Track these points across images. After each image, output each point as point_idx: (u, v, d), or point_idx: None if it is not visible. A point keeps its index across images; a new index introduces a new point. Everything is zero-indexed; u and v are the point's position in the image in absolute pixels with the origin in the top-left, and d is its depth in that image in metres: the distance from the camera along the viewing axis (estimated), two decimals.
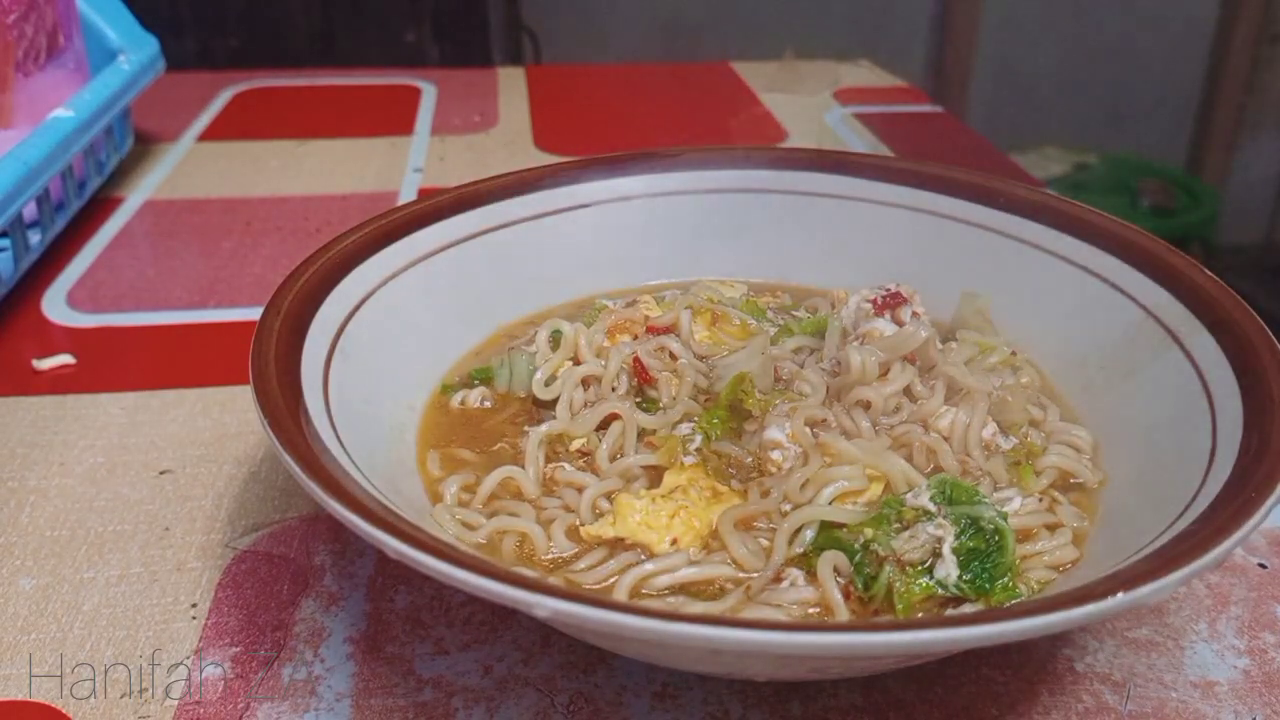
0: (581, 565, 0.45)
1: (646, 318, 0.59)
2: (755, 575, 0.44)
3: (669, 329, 0.57)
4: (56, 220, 0.84)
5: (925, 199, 0.65)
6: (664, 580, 0.44)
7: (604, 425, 0.51)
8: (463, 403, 0.55)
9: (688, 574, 0.44)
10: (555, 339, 0.57)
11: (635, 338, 0.57)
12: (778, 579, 0.44)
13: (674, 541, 0.46)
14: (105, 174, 0.95)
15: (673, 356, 0.55)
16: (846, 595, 0.43)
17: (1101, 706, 0.44)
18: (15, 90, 0.81)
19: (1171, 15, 2.79)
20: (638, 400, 0.53)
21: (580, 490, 0.48)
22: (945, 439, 0.50)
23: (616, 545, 0.46)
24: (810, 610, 0.43)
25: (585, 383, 0.54)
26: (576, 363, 0.55)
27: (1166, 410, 0.49)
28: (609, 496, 0.48)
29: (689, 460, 0.50)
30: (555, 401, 0.53)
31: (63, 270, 0.81)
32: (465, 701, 0.44)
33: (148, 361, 0.70)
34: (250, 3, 2.04)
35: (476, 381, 0.57)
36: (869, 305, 0.55)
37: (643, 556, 0.45)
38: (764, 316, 0.60)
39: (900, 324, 0.54)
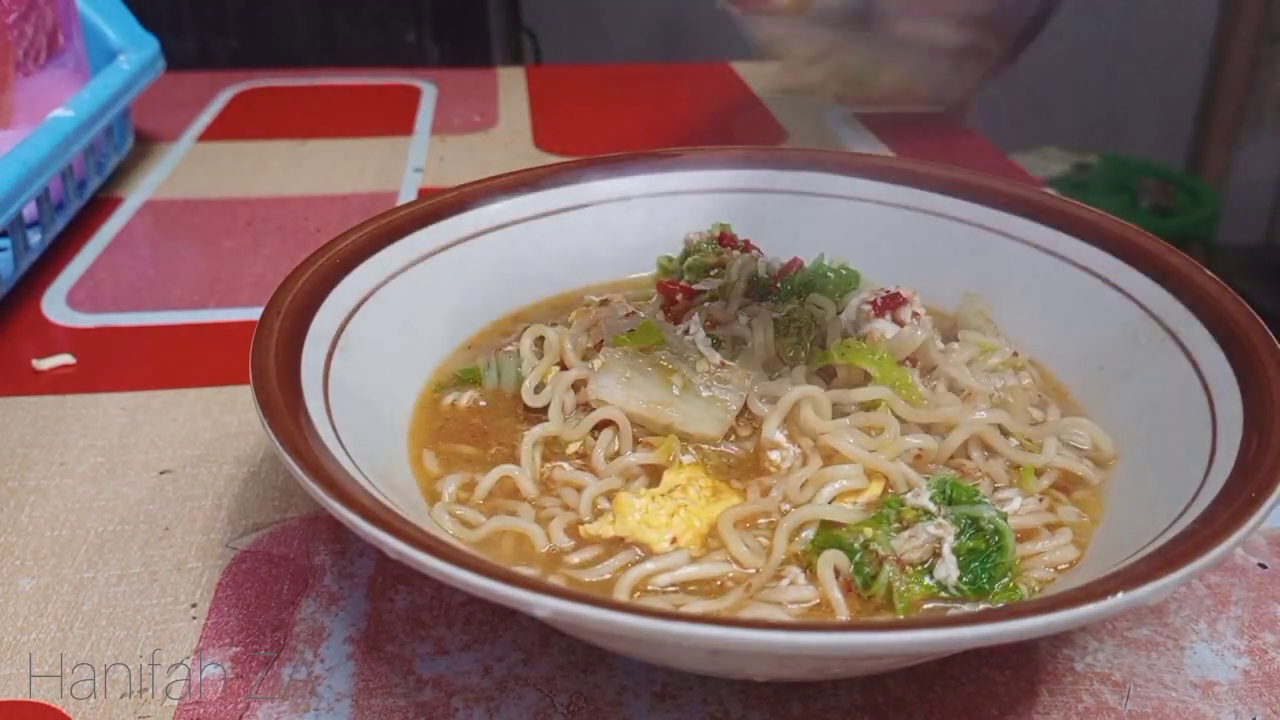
0: (576, 560, 0.45)
1: (621, 318, 0.59)
2: (755, 573, 0.44)
3: None
4: (56, 220, 0.84)
5: (925, 199, 0.65)
6: (665, 579, 0.44)
7: (600, 425, 0.51)
8: (453, 404, 0.55)
9: (688, 572, 0.44)
10: (539, 344, 0.57)
11: None
12: (777, 577, 0.44)
13: (674, 540, 0.46)
14: (105, 174, 0.95)
15: None
16: (847, 591, 0.43)
17: (1101, 706, 0.44)
18: (15, 90, 0.82)
19: (1171, 15, 2.79)
20: None
21: (579, 490, 0.48)
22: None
23: (616, 544, 0.46)
24: (811, 605, 0.43)
25: (575, 386, 0.54)
26: (564, 367, 0.55)
27: (1166, 410, 0.49)
28: (609, 496, 0.48)
29: (687, 459, 0.50)
30: (547, 408, 0.53)
31: (63, 270, 0.81)
32: (465, 701, 0.44)
33: (148, 361, 0.70)
34: (250, 3, 2.03)
35: (465, 383, 0.56)
36: (869, 307, 0.55)
37: (640, 555, 0.45)
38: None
39: (901, 324, 0.54)
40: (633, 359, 0.52)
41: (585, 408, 0.52)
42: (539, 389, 0.54)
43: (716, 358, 0.52)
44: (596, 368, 0.52)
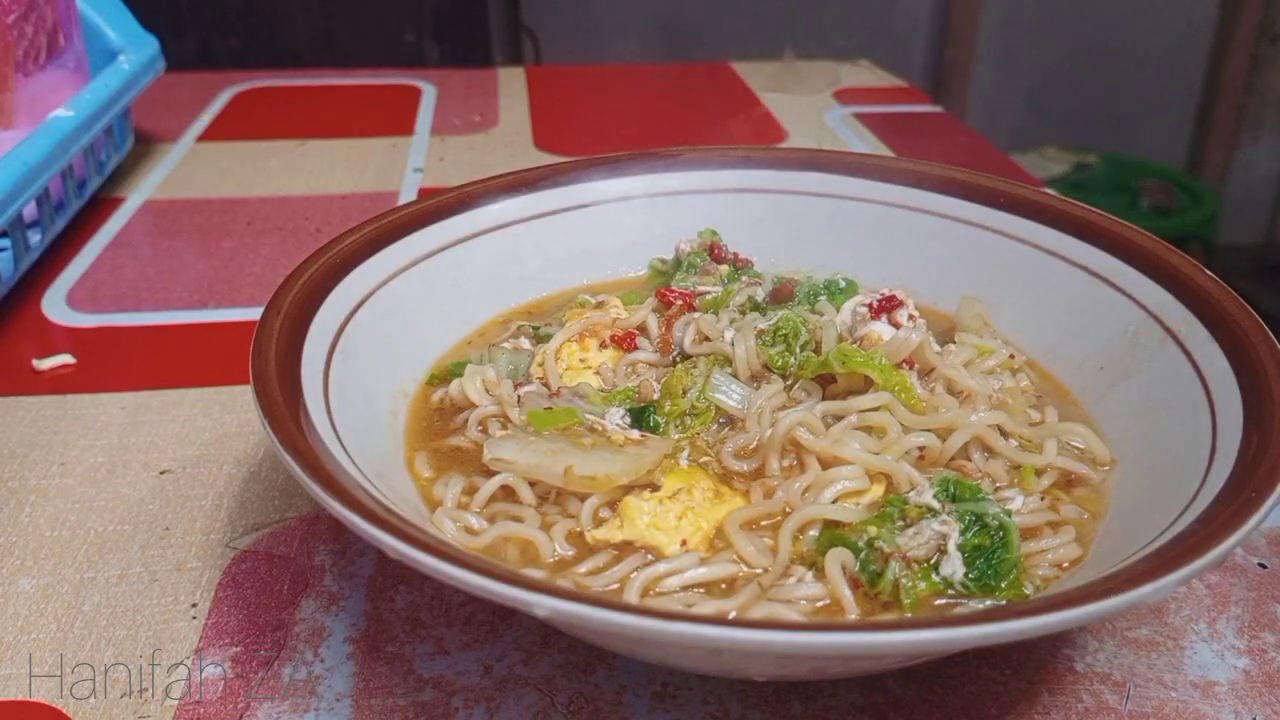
0: (584, 569, 0.45)
1: (615, 320, 0.59)
2: (763, 573, 0.44)
3: (637, 330, 0.58)
4: (56, 220, 0.84)
5: (925, 199, 0.65)
6: (674, 581, 0.44)
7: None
8: (441, 400, 0.55)
9: (698, 574, 0.44)
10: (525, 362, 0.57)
11: (603, 345, 0.57)
12: (786, 575, 0.44)
13: (683, 543, 0.46)
14: (105, 174, 0.95)
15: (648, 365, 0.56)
16: (854, 588, 0.43)
17: (1101, 706, 0.44)
18: (15, 90, 0.81)
19: (1171, 15, 2.80)
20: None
21: (582, 499, 0.48)
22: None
23: (625, 548, 0.46)
24: (820, 604, 0.43)
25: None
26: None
27: (1167, 410, 0.49)
28: (610, 504, 0.48)
29: (684, 463, 0.50)
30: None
31: (63, 270, 0.81)
32: (465, 701, 0.44)
33: (148, 361, 0.70)
34: (250, 3, 2.04)
35: (455, 377, 0.56)
36: (865, 309, 0.55)
37: (650, 558, 0.45)
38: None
39: (897, 326, 0.54)
40: (541, 433, 0.49)
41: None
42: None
43: (635, 433, 0.51)
44: (498, 437, 0.50)
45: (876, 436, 0.49)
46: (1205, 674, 0.46)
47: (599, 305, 0.61)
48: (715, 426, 0.52)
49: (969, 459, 0.50)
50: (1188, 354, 0.50)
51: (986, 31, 2.77)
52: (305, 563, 0.51)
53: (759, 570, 0.44)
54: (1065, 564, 0.45)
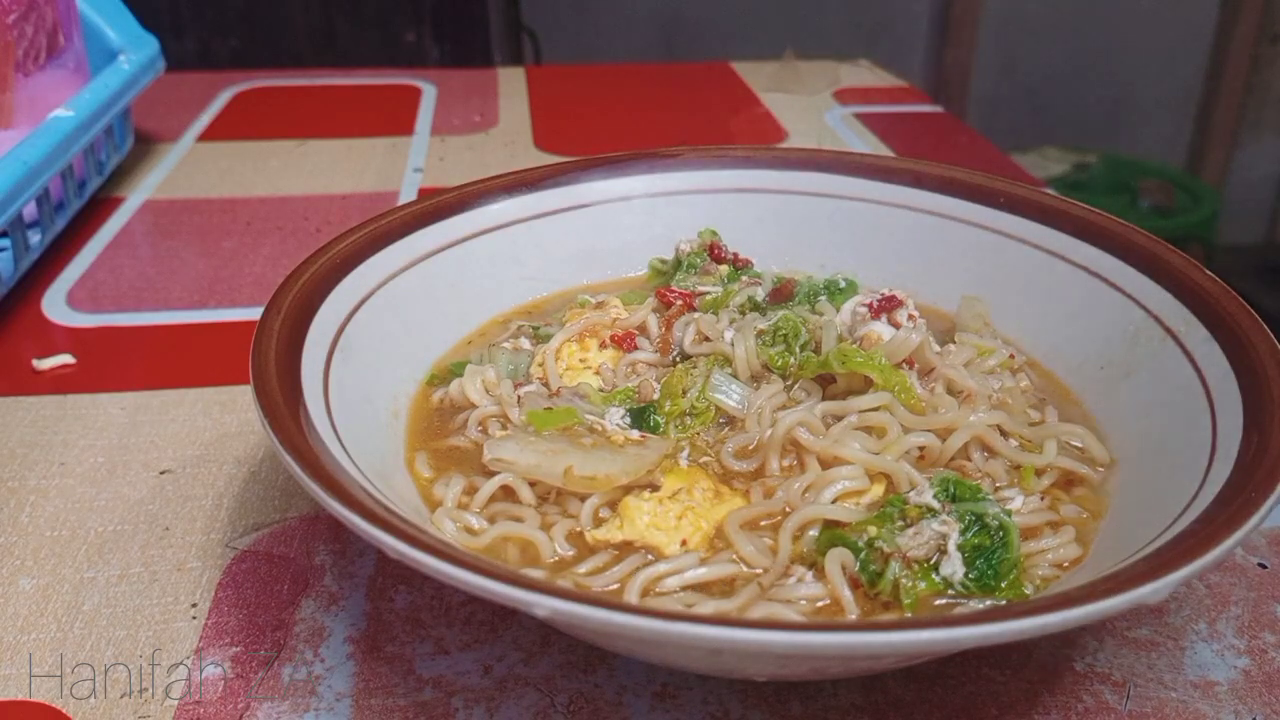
0: (584, 569, 0.45)
1: (615, 320, 0.59)
2: (763, 573, 0.44)
3: (637, 330, 0.58)
4: (56, 220, 0.84)
5: (925, 199, 0.65)
6: (674, 581, 0.44)
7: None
8: (441, 400, 0.55)
9: (698, 574, 0.44)
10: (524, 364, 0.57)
11: (604, 345, 0.57)
12: (786, 575, 0.44)
13: (683, 543, 0.46)
14: (105, 174, 0.95)
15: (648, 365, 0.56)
16: (854, 588, 0.43)
17: (1101, 706, 0.44)
18: (15, 90, 0.82)
19: (1171, 15, 2.80)
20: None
21: (582, 499, 0.48)
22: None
23: (625, 548, 0.46)
24: (820, 604, 0.43)
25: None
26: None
27: (1167, 410, 0.49)
28: (610, 504, 0.48)
29: (684, 463, 0.50)
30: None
31: (63, 270, 0.81)
32: (465, 701, 0.44)
33: (148, 361, 0.70)
34: (250, 3, 2.04)
35: (455, 377, 0.56)
36: (865, 309, 0.55)
37: (650, 558, 0.45)
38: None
39: (897, 326, 0.54)
40: (541, 434, 0.49)
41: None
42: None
43: (635, 433, 0.51)
44: (498, 437, 0.50)
45: (876, 436, 0.49)
46: (1205, 674, 0.46)
47: (599, 305, 0.61)
48: (715, 426, 0.52)
49: (969, 459, 0.50)
50: (1188, 354, 0.50)
51: (986, 31, 2.77)
52: (305, 563, 0.51)
53: (759, 570, 0.44)
54: (1065, 564, 0.45)
